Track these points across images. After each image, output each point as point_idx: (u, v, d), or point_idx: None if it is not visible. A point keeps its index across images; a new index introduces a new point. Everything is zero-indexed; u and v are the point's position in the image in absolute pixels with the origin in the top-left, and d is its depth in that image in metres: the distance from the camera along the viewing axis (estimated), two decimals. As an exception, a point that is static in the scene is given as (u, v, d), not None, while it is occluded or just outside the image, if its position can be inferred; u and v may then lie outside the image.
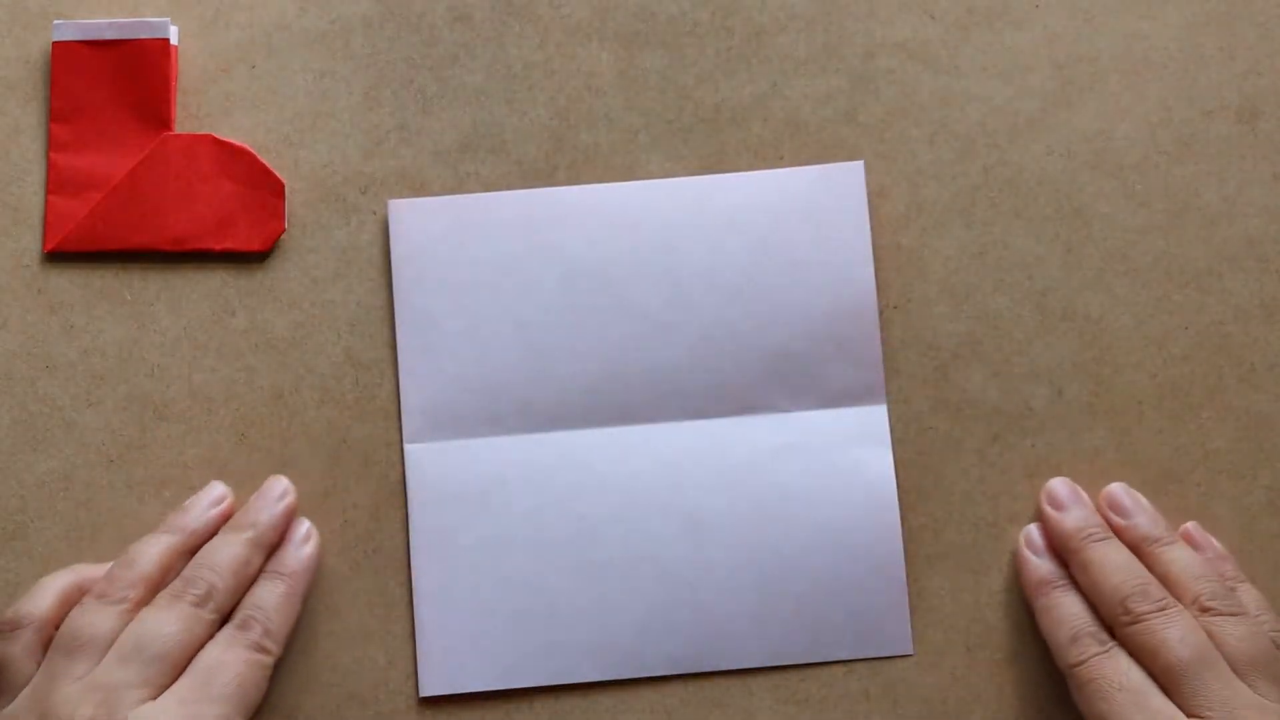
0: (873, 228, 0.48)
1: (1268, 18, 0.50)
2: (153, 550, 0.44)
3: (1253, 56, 0.49)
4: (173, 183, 0.48)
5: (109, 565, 0.44)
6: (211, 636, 0.42)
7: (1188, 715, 0.41)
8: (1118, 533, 0.46)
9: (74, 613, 0.42)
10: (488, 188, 0.48)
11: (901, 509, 0.47)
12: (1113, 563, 0.44)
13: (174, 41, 0.48)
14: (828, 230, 0.47)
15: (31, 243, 0.48)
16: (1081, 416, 0.48)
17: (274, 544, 0.45)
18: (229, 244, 0.48)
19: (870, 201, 0.48)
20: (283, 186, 0.48)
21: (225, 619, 0.43)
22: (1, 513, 0.47)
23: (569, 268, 0.48)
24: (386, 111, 0.49)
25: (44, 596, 0.43)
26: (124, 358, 0.47)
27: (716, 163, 0.49)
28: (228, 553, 0.44)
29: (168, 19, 0.48)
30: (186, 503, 0.46)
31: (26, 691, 0.41)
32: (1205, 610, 0.43)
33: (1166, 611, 0.43)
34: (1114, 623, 0.43)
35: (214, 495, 0.46)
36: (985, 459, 0.47)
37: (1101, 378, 0.48)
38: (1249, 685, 0.42)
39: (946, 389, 0.48)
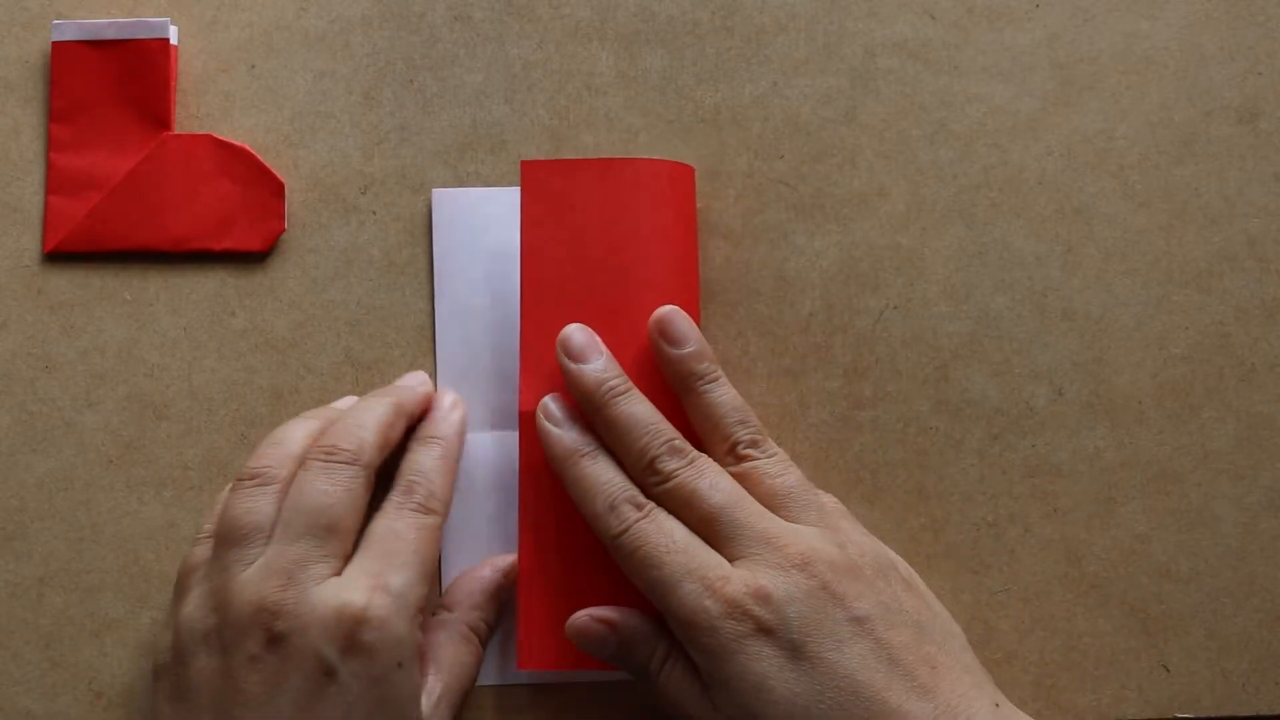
0: (872, 227, 0.48)
1: (1268, 18, 0.50)
2: (298, 431, 0.44)
3: (1253, 56, 0.49)
4: (173, 183, 0.48)
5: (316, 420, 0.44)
6: (369, 494, 0.42)
7: (733, 559, 0.40)
8: (664, 365, 0.44)
9: (228, 501, 0.42)
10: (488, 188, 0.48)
11: (901, 509, 0.47)
12: (636, 419, 0.43)
13: (174, 41, 0.48)
14: None
15: (31, 243, 0.48)
16: (1081, 416, 0.48)
17: (416, 416, 0.45)
18: (229, 244, 0.48)
19: (870, 201, 0.48)
20: (282, 186, 0.48)
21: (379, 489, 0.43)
22: (1, 513, 0.47)
23: None
24: (386, 111, 0.49)
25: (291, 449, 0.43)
26: (124, 358, 0.47)
27: (717, 162, 0.49)
28: (371, 413, 0.43)
29: (168, 19, 0.48)
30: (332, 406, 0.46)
31: (200, 591, 0.41)
32: (740, 457, 0.43)
33: (695, 464, 0.42)
34: (645, 485, 0.42)
35: (345, 401, 0.47)
36: (985, 459, 0.47)
37: (1101, 378, 0.48)
38: (782, 516, 0.42)
39: (946, 389, 0.48)
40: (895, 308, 0.48)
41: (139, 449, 0.47)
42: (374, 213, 0.48)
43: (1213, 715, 0.46)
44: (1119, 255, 0.48)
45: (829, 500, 0.44)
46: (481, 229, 0.48)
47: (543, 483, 0.45)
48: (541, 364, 0.45)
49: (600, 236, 0.45)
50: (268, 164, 0.48)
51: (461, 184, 0.48)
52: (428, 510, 0.43)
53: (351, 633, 0.38)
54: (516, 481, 0.45)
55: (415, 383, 0.46)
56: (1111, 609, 0.47)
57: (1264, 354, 0.48)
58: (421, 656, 0.42)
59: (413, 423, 0.45)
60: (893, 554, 0.44)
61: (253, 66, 0.49)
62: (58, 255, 0.48)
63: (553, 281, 0.45)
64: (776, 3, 0.49)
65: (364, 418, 0.43)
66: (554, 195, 0.45)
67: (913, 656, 0.39)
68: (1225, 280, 0.48)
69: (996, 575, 0.47)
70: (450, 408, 0.46)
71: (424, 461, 0.44)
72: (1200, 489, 0.47)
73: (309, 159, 0.48)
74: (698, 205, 0.48)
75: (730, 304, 0.48)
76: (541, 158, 0.48)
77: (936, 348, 0.48)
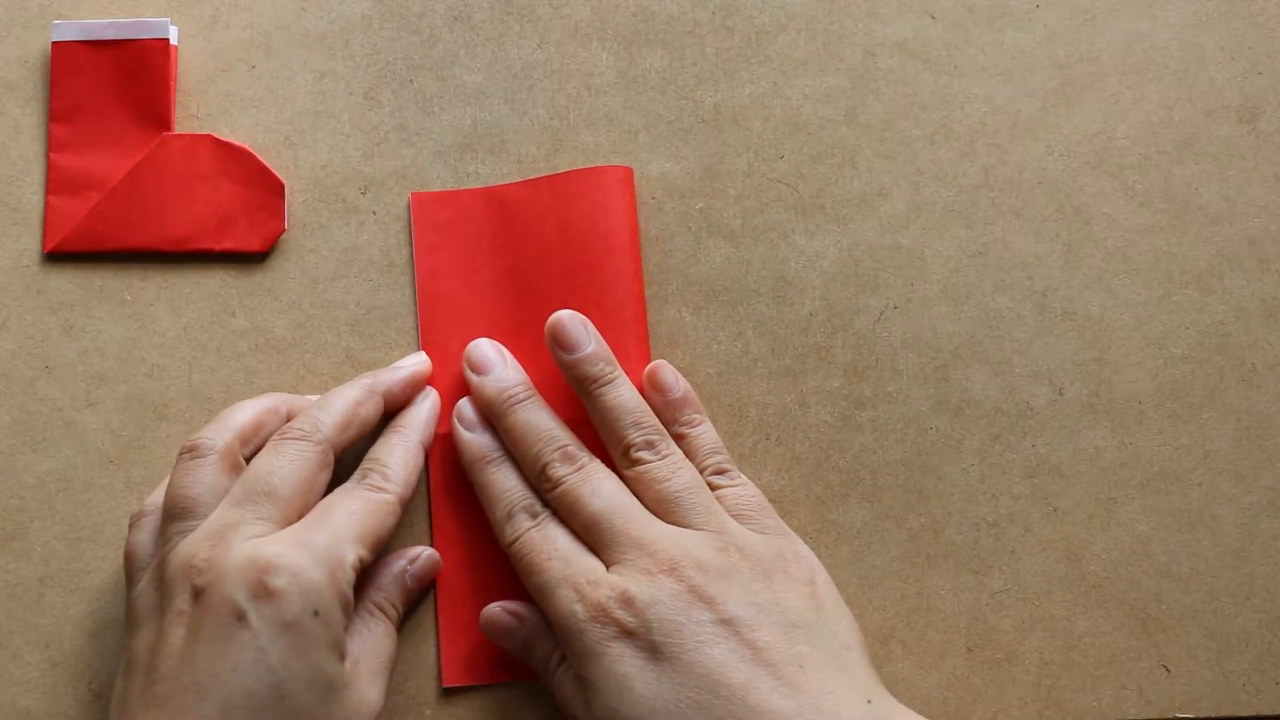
0: (872, 227, 0.48)
1: (1268, 18, 0.50)
2: (245, 408, 0.44)
3: (1253, 56, 0.49)
4: (173, 183, 0.48)
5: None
6: (326, 470, 0.43)
7: (609, 565, 0.42)
8: (563, 372, 0.45)
9: (170, 479, 0.42)
10: (488, 188, 0.48)
11: (901, 509, 0.47)
12: (532, 426, 0.44)
13: (174, 41, 0.48)
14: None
15: (31, 243, 0.48)
16: (1081, 416, 0.48)
17: (398, 395, 0.46)
18: (229, 244, 0.48)
19: (870, 201, 0.48)
20: (283, 186, 0.48)
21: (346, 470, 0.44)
22: (1, 513, 0.47)
23: None
24: (386, 111, 0.49)
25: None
26: (124, 358, 0.47)
27: (717, 162, 0.49)
28: (338, 394, 0.44)
29: (168, 19, 0.48)
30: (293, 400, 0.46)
31: (149, 568, 0.42)
32: (633, 461, 0.44)
33: (583, 470, 0.43)
34: (540, 492, 0.44)
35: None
36: (985, 459, 0.47)
37: (1101, 378, 0.48)
38: (670, 519, 0.42)
39: (946, 389, 0.48)
40: (895, 308, 0.48)
41: (139, 449, 0.47)
42: (374, 213, 0.48)
43: (1213, 715, 0.46)
44: (1119, 255, 0.48)
45: (740, 493, 0.44)
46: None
47: (456, 500, 0.46)
48: (441, 386, 0.46)
49: (492, 259, 0.47)
50: (268, 164, 0.48)
51: (461, 184, 0.48)
52: (378, 489, 0.43)
53: (260, 579, 0.39)
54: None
55: (410, 363, 0.46)
56: (1111, 609, 0.47)
57: (1264, 354, 0.48)
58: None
59: (394, 402, 0.46)
60: (796, 550, 0.43)
61: (253, 66, 0.49)
62: (58, 255, 0.48)
63: (449, 306, 0.47)
64: (776, 3, 0.49)
65: (328, 400, 0.44)
66: (443, 224, 0.47)
67: (780, 656, 0.40)
68: (1225, 280, 0.48)
69: (996, 575, 0.47)
70: (422, 397, 0.46)
71: (380, 449, 0.45)
72: (1200, 489, 0.47)
73: (309, 159, 0.48)
74: (698, 205, 0.48)
75: (730, 304, 0.48)
76: (541, 157, 0.48)
77: (936, 348, 0.48)
